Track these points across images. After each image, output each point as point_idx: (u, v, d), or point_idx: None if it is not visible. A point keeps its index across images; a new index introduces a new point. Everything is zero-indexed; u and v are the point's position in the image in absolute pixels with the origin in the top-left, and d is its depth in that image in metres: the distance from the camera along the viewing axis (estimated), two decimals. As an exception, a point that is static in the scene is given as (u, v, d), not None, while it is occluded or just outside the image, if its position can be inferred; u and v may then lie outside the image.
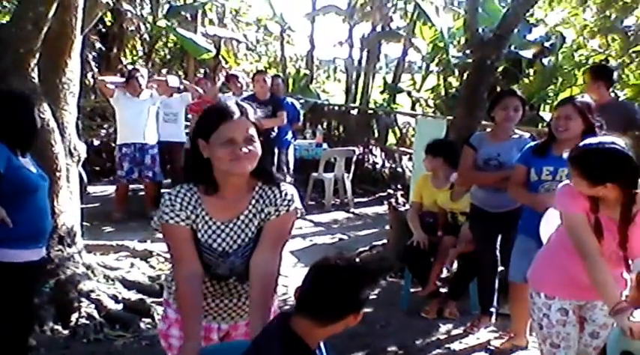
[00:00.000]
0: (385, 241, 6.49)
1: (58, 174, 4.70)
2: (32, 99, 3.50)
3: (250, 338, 2.21)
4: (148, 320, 4.67)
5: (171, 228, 2.33)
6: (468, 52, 9.21)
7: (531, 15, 9.91)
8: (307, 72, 15.14)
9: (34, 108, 3.42)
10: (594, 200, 2.83)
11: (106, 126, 10.96)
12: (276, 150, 8.18)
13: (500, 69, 10.78)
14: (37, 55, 4.50)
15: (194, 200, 2.34)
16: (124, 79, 7.93)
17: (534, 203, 3.93)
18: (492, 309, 4.81)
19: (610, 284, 2.75)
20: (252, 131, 2.29)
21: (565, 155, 3.67)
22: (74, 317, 4.53)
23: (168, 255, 2.54)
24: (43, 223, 3.40)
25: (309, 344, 2.01)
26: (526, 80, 10.08)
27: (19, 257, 3.26)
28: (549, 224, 3.70)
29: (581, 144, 2.93)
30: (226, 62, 13.96)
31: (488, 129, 4.90)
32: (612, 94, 5.70)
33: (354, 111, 12.08)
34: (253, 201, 2.39)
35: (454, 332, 4.82)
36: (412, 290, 5.32)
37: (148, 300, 4.85)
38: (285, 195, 2.40)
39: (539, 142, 4.15)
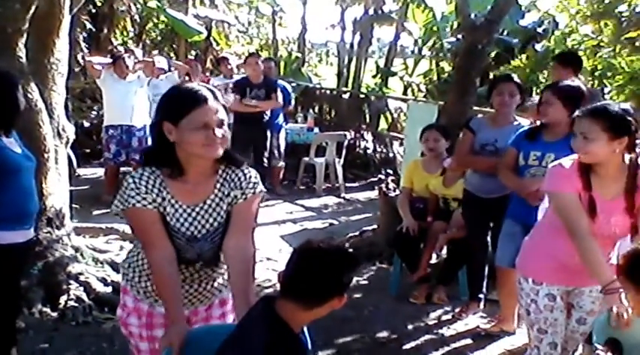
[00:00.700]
0: (375, 226, 6.48)
1: (46, 155, 4.65)
2: (15, 78, 3.40)
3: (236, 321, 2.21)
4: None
5: (139, 211, 2.27)
6: (460, 36, 9.17)
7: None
8: (299, 55, 15.09)
9: (18, 87, 3.32)
10: (587, 178, 2.83)
11: (95, 108, 10.85)
12: (268, 134, 8.16)
13: (492, 54, 10.79)
14: (25, 35, 4.45)
15: (158, 183, 2.30)
16: (111, 60, 7.85)
17: (519, 187, 3.97)
18: (481, 295, 4.82)
19: (602, 263, 2.75)
20: (223, 115, 2.27)
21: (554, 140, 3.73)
22: (63, 299, 4.51)
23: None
24: (28, 204, 3.35)
25: (293, 328, 1.99)
26: (517, 62, 10.05)
27: (2, 238, 3.22)
28: None
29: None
30: (217, 44, 13.88)
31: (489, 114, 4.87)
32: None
33: (346, 96, 12.04)
34: (218, 185, 2.38)
35: (443, 317, 4.84)
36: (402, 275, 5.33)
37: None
38: (250, 177, 2.41)
39: (531, 127, 4.15)
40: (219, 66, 9.23)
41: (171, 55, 12.99)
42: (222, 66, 9.01)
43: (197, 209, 2.34)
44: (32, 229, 3.46)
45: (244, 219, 2.39)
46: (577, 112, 2.92)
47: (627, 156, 2.83)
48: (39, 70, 4.82)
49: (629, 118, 2.79)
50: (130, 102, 7.57)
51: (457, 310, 4.87)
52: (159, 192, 2.29)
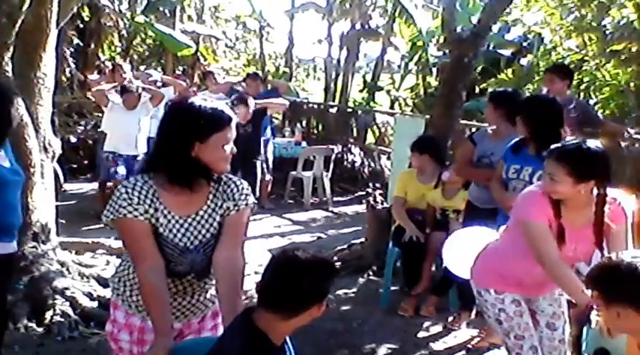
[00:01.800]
0: (363, 240, 6.48)
1: (32, 169, 4.63)
2: (10, 93, 3.38)
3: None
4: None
5: (130, 222, 2.26)
6: (446, 51, 9.25)
7: (509, 14, 9.97)
8: (286, 70, 15.12)
9: (12, 102, 3.30)
10: (557, 206, 2.87)
11: (83, 123, 10.82)
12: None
13: (479, 68, 10.87)
14: (11, 49, 4.43)
15: (151, 193, 2.29)
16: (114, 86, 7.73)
17: (500, 200, 4.03)
18: (473, 306, 4.82)
19: (578, 286, 2.77)
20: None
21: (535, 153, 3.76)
22: (49, 314, 4.47)
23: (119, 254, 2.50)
24: (11, 218, 3.30)
25: (274, 339, 1.98)
26: (503, 76, 10.12)
27: None
28: (452, 249, 3.92)
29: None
30: (205, 59, 13.88)
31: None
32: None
33: (333, 110, 12.07)
34: (211, 196, 2.39)
35: (432, 329, 4.83)
36: (392, 288, 5.32)
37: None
38: (242, 189, 2.44)
39: (517, 140, 4.17)
40: (204, 80, 9.22)
41: (159, 69, 12.98)
42: (208, 80, 9.01)
43: (190, 220, 2.34)
44: (14, 243, 3.41)
45: (235, 231, 2.40)
46: (546, 152, 2.97)
47: (595, 191, 2.86)
48: (25, 84, 4.80)
49: (596, 163, 2.82)
50: (135, 132, 7.44)
51: (450, 319, 4.88)
52: (151, 203, 2.28)
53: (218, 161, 2.32)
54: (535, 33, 11.56)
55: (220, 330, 2.53)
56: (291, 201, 9.26)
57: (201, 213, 2.36)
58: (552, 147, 2.96)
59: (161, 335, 2.22)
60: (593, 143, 2.88)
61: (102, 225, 2.41)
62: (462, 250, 3.68)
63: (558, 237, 2.87)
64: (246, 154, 7.08)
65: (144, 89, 7.67)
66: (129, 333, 2.41)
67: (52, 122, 5.42)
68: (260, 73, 12.56)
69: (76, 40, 11.94)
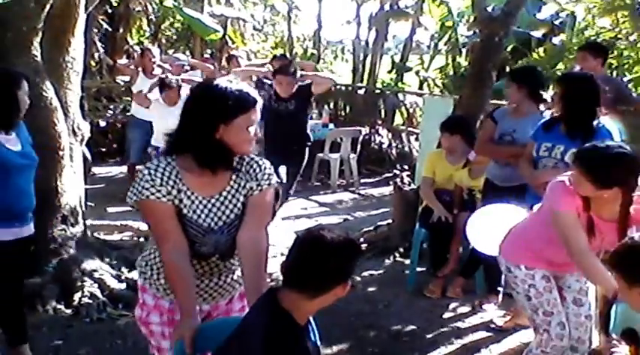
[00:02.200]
0: (390, 221, 6.46)
1: (61, 152, 4.69)
2: (18, 77, 3.37)
3: None
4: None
5: (154, 204, 2.27)
6: (476, 30, 9.11)
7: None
8: (314, 52, 15.05)
9: (20, 86, 3.31)
10: (586, 199, 2.86)
11: (111, 107, 10.91)
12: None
13: (509, 48, 10.70)
14: (40, 34, 4.49)
15: (174, 175, 2.30)
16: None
17: (530, 177, 3.98)
18: (499, 288, 4.79)
19: (606, 275, 2.74)
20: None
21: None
22: (77, 296, 4.54)
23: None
24: (18, 203, 3.33)
25: (298, 319, 1.97)
26: (535, 56, 9.96)
27: None
28: (477, 226, 3.87)
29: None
30: (233, 42, 13.87)
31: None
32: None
33: (361, 91, 11.99)
34: (234, 177, 2.38)
35: (458, 311, 4.81)
36: (418, 269, 5.31)
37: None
38: (265, 169, 2.43)
39: (549, 118, 4.15)
40: (228, 64, 9.17)
41: (187, 53, 13.01)
42: (232, 64, 8.96)
43: (213, 200, 2.34)
44: (26, 227, 3.43)
45: (259, 211, 2.40)
46: (570, 153, 2.96)
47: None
48: (54, 68, 4.85)
49: (618, 171, 2.76)
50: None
51: (476, 302, 4.86)
52: (174, 184, 2.28)
53: (242, 143, 2.31)
54: (567, 11, 11.36)
55: None
56: (317, 183, 9.26)
57: (224, 193, 2.36)
58: (574, 150, 2.97)
59: (186, 316, 2.23)
60: (618, 148, 2.82)
61: (130, 208, 2.41)
62: (488, 227, 3.66)
63: (588, 229, 2.87)
64: (290, 138, 6.50)
65: (183, 81, 7.64)
66: (159, 315, 2.43)
67: (81, 106, 5.46)
68: (288, 55, 12.54)
69: (104, 25, 11.99)
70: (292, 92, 6.46)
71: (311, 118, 10.32)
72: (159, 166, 2.30)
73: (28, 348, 3.66)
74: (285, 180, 6.53)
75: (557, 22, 11.92)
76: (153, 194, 2.25)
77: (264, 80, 6.80)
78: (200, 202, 2.32)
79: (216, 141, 2.27)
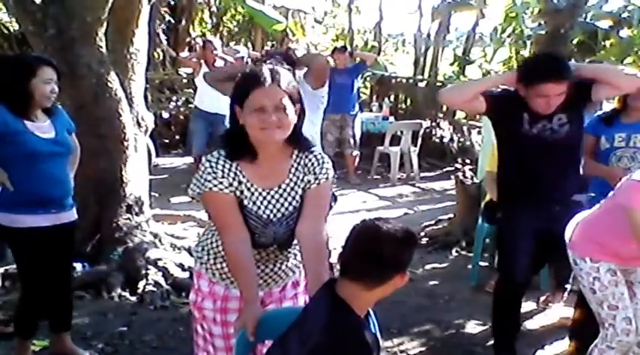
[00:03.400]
0: (452, 215, 6.37)
1: (125, 143, 4.77)
2: (33, 63, 3.32)
3: None
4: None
5: (216, 195, 2.27)
6: (541, 22, 8.90)
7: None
8: (375, 44, 14.95)
9: (35, 72, 3.25)
10: None
11: (174, 98, 11.08)
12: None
13: (575, 41, 10.41)
14: (105, 25, 4.56)
15: (234, 167, 2.28)
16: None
17: (609, 176, 3.80)
18: (567, 285, 4.67)
19: None
20: (285, 100, 2.22)
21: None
22: (141, 284, 4.62)
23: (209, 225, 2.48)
24: (50, 190, 3.33)
25: (357, 310, 1.95)
26: (603, 52, 9.67)
27: (22, 222, 3.26)
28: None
29: None
30: (293, 35, 13.89)
31: None
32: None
33: (422, 84, 11.86)
34: (293, 170, 2.36)
35: (522, 307, 4.69)
36: (481, 264, 5.22)
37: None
38: (323, 162, 2.39)
39: (607, 111, 4.08)
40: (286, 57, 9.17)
41: (248, 46, 13.10)
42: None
43: (272, 192, 2.33)
44: (64, 214, 3.43)
45: (317, 204, 2.39)
46: None
47: None
48: (119, 59, 4.94)
49: None
50: None
51: (542, 299, 4.75)
52: (235, 176, 2.28)
53: (253, 128, 2.22)
54: (634, 6, 10.99)
55: (301, 299, 2.55)
56: (377, 177, 9.21)
57: (283, 186, 2.35)
58: None
59: (249, 304, 2.24)
60: None
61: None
62: None
63: None
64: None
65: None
66: (212, 301, 2.44)
67: (145, 98, 5.54)
68: (348, 47, 12.50)
69: (167, 17, 12.18)
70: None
71: (370, 111, 10.30)
72: (219, 158, 2.30)
73: (69, 336, 3.71)
74: None
75: (624, 15, 11.54)
76: (215, 185, 2.25)
77: None
78: (260, 194, 2.31)
79: (241, 128, 2.25)
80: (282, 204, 2.35)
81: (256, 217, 2.31)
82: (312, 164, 2.38)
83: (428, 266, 5.47)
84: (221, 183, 2.26)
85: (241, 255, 2.27)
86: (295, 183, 2.36)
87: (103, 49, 4.59)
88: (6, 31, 11.10)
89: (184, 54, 9.38)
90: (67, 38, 4.41)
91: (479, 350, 4.04)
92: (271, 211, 2.33)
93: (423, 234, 6.19)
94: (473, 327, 4.38)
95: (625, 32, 11.11)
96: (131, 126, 4.85)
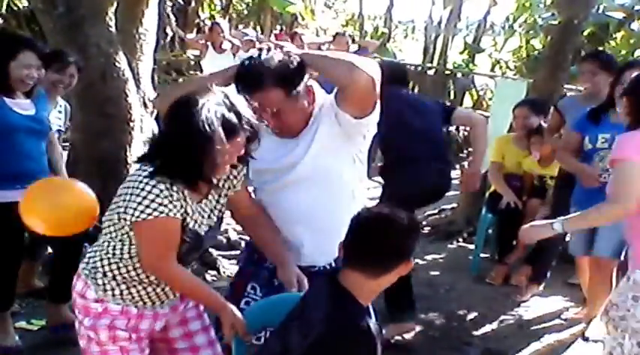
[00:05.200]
0: (455, 205, 6.36)
1: (131, 123, 4.75)
2: (16, 43, 3.33)
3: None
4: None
5: (171, 221, 2.03)
6: (554, 12, 8.85)
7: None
8: (385, 31, 14.89)
9: (10, 56, 3.24)
10: None
11: (181, 80, 11.06)
12: None
13: (586, 32, 10.34)
14: (114, 4, 4.54)
15: (180, 187, 2.08)
16: None
17: (582, 174, 3.77)
18: (543, 279, 4.75)
19: None
20: None
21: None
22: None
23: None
24: (26, 165, 3.33)
25: (361, 300, 1.92)
26: (612, 43, 9.61)
27: (1, 197, 3.26)
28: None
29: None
30: (303, 19, 13.85)
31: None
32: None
33: (431, 72, 11.81)
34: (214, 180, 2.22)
35: (519, 299, 4.72)
36: (482, 255, 5.22)
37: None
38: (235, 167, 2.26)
39: (593, 108, 3.90)
40: (292, 41, 9.09)
41: (257, 29, 13.07)
42: (295, 42, 8.92)
43: (205, 202, 2.21)
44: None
45: (243, 198, 2.39)
46: None
47: None
48: (127, 39, 4.92)
49: None
50: None
51: (513, 280, 4.87)
52: (182, 196, 2.08)
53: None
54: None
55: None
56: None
57: (210, 197, 2.23)
58: None
59: (224, 309, 2.18)
60: None
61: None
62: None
63: None
64: None
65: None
66: (126, 320, 2.20)
67: (152, 79, 5.53)
68: (358, 33, 12.44)
69: (177, -2, 12.17)
70: None
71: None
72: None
73: (67, 307, 3.67)
74: None
75: (637, 7, 11.44)
76: (171, 210, 2.02)
77: None
78: (195, 209, 2.16)
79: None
80: (209, 216, 2.24)
81: (194, 234, 2.15)
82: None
83: (429, 256, 5.47)
84: (175, 207, 2.04)
85: (187, 273, 2.19)
86: (217, 188, 2.24)
87: (112, 29, 4.57)
88: (15, 8, 11.07)
89: (192, 35, 9.38)
90: (77, 17, 4.39)
91: (477, 341, 4.05)
92: (203, 224, 2.20)
93: (425, 222, 6.20)
94: (473, 317, 4.39)
95: (636, 25, 11.03)
96: (138, 107, 4.84)
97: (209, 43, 7.87)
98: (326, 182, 2.37)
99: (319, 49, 8.64)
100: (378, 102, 2.25)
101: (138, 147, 4.86)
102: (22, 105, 3.35)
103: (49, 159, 3.58)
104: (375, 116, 2.30)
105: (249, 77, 2.23)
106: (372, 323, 1.91)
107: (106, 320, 2.17)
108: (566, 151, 3.92)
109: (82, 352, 2.25)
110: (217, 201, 2.27)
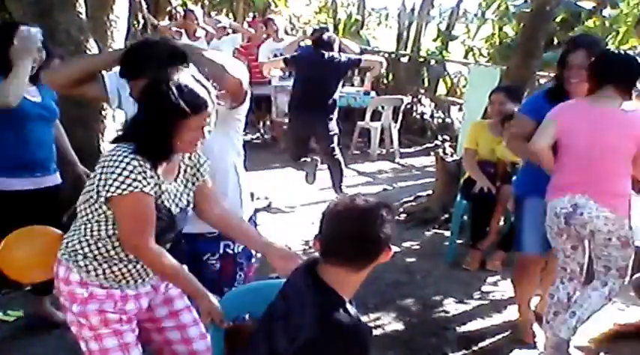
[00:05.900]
0: (430, 192, 6.39)
1: (104, 112, 4.72)
2: (15, 28, 3.28)
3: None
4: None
5: (144, 197, 2.09)
6: (526, -1, 8.91)
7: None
8: (358, 18, 14.85)
9: (9, 39, 3.22)
10: None
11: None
12: None
13: (558, 19, 10.42)
14: (84, -9, 4.47)
15: (150, 164, 2.15)
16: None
17: (532, 152, 3.45)
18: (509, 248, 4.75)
19: None
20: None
21: None
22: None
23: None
24: (36, 153, 3.34)
25: (345, 295, 1.87)
26: (584, 27, 9.68)
27: (6, 185, 3.27)
28: None
29: None
30: (276, 6, 13.76)
31: None
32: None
33: (405, 59, 11.81)
34: (182, 164, 2.33)
35: (498, 284, 4.76)
36: (458, 241, 5.25)
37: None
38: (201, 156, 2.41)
39: (551, 88, 3.65)
40: (266, 28, 8.95)
41: (230, 16, 12.97)
42: (269, 27, 8.81)
43: (175, 184, 2.28)
44: (49, 177, 3.45)
45: (212, 189, 2.46)
46: None
47: None
48: (98, 26, 4.87)
49: None
50: None
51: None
52: (154, 174, 2.15)
53: (182, 142, 2.21)
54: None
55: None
56: (357, 152, 9.19)
57: (180, 177, 2.31)
58: None
59: (201, 297, 2.26)
60: None
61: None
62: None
63: None
64: None
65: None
66: (113, 303, 2.25)
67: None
68: (332, 20, 12.38)
69: (149, -15, 11.98)
70: None
71: (352, 85, 10.24)
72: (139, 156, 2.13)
73: (48, 300, 3.68)
74: None
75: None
76: (145, 186, 2.08)
77: None
78: (167, 188, 2.22)
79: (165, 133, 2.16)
80: (182, 196, 2.31)
81: (167, 212, 2.22)
82: (195, 155, 2.37)
83: (405, 243, 5.49)
84: (149, 183, 2.10)
85: (166, 254, 2.21)
86: (185, 171, 2.34)
87: (83, 16, 4.51)
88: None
89: (164, 23, 9.27)
90: (46, 4, 4.33)
91: (454, 325, 4.08)
92: (177, 204, 2.27)
93: (401, 210, 6.21)
94: (449, 303, 4.41)
95: (608, 11, 11.12)
96: (107, 94, 4.78)
97: (182, 31, 7.78)
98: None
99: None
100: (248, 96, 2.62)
101: (111, 136, 4.80)
102: (30, 92, 3.33)
103: (57, 147, 3.58)
104: (245, 106, 2.69)
105: (132, 63, 2.38)
106: (355, 313, 1.87)
107: (95, 305, 2.22)
108: (519, 138, 3.63)
109: (74, 338, 2.31)
110: (186, 186, 2.34)
